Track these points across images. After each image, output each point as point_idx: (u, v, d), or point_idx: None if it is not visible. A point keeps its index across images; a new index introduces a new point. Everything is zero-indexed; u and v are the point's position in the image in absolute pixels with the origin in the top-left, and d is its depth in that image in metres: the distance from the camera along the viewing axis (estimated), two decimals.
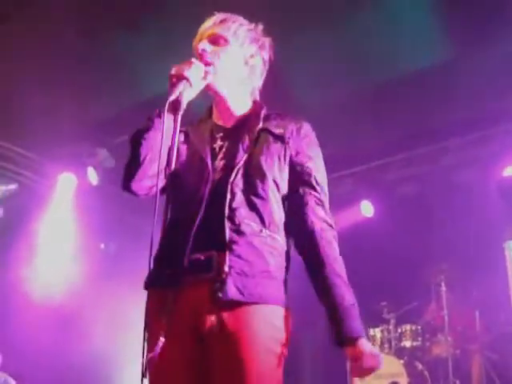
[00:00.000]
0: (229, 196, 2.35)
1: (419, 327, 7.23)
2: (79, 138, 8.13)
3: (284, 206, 2.51)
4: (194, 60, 2.41)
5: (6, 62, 6.64)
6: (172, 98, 2.33)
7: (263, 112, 2.58)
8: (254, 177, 2.40)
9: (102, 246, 9.37)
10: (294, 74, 6.77)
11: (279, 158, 2.49)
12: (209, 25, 2.57)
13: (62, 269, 8.46)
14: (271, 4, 5.70)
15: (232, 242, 2.32)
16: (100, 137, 8.24)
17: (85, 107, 7.35)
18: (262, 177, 2.41)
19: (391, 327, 7.31)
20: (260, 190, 2.40)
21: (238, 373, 2.22)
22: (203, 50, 2.51)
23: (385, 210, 8.65)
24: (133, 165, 2.46)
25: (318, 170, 2.60)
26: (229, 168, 2.40)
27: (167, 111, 2.34)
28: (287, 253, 2.50)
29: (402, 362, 6.90)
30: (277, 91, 7.03)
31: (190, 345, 2.31)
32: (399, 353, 7.11)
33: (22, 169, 8.39)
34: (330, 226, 2.55)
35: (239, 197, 2.37)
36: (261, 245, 2.36)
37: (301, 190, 2.52)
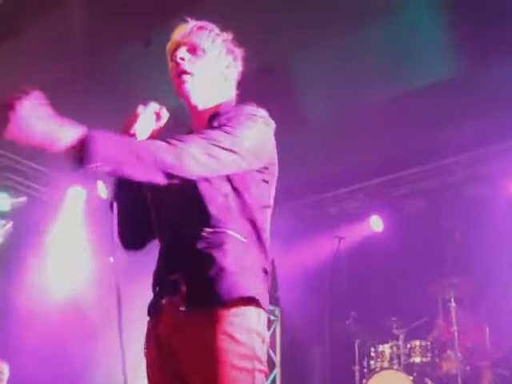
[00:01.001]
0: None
1: (429, 343, 7.16)
2: None
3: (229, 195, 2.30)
4: (140, 110, 2.35)
5: (16, 76, 6.70)
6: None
7: (216, 111, 2.45)
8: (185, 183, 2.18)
9: (111, 259, 9.37)
10: (301, 90, 6.80)
11: None
12: (185, 31, 2.51)
13: (71, 281, 8.48)
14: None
15: (184, 256, 2.29)
16: None
17: (94, 120, 7.36)
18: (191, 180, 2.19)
19: (400, 343, 7.25)
20: (192, 192, 2.25)
21: None
22: (182, 59, 2.47)
23: (394, 225, 8.63)
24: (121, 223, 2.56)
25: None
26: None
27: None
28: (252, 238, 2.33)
29: (411, 378, 6.83)
30: (282, 107, 7.10)
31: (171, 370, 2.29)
32: (409, 369, 7.04)
33: (32, 182, 8.44)
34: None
35: (181, 207, 2.31)
36: (205, 247, 2.23)
37: None
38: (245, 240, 2.29)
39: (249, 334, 2.16)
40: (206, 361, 2.13)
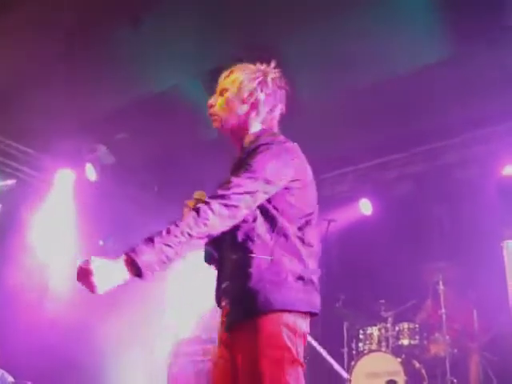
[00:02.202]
0: None
1: (417, 326, 7.23)
2: (78, 134, 8.12)
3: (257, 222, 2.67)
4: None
5: (6, 59, 6.64)
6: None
7: (249, 141, 2.86)
8: None
9: (101, 242, 9.37)
10: (292, 74, 6.77)
11: None
12: (220, 79, 2.97)
13: (60, 264, 8.46)
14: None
15: (223, 276, 2.76)
16: (99, 133, 8.23)
17: (84, 104, 7.35)
18: None
19: (389, 325, 7.31)
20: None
21: None
22: (210, 105, 2.95)
23: (383, 208, 8.66)
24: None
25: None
26: None
27: None
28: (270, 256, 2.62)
29: (399, 360, 6.90)
30: None
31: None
32: (397, 351, 7.11)
33: (21, 164, 8.38)
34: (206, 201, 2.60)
35: (224, 233, 2.65)
36: (233, 270, 2.66)
37: None
38: (270, 258, 2.59)
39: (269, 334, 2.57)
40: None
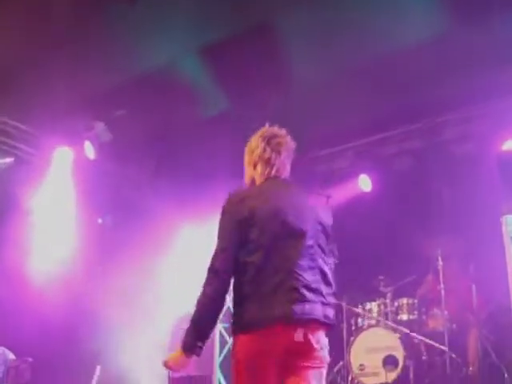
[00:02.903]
0: None
1: (416, 301, 7.26)
2: (76, 112, 8.08)
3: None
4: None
5: (4, 38, 6.59)
6: None
7: None
8: None
9: (100, 220, 9.38)
10: (291, 49, 6.74)
11: None
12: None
13: (59, 242, 8.48)
14: None
15: None
16: (97, 110, 8.19)
17: (82, 81, 7.31)
18: None
19: (388, 301, 7.34)
20: None
21: None
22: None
23: (383, 184, 8.64)
24: None
25: None
26: None
27: None
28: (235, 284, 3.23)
29: (398, 335, 6.94)
30: (276, 68, 7.04)
31: None
32: (396, 326, 7.14)
33: (19, 142, 8.35)
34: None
35: None
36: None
37: None
38: (237, 290, 3.18)
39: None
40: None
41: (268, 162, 3.46)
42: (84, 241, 8.49)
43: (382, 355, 6.85)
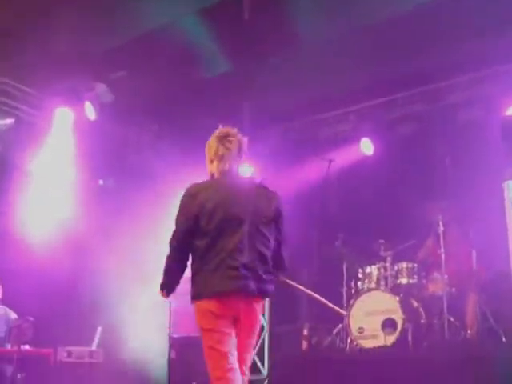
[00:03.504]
0: None
1: (415, 265, 7.28)
2: (77, 73, 8.03)
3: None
4: None
5: None
6: None
7: None
8: None
9: (101, 181, 9.36)
10: (294, 10, 6.66)
11: None
12: None
13: (60, 204, 8.49)
14: None
15: None
16: (98, 71, 8.14)
17: (83, 41, 7.26)
18: None
19: (388, 265, 7.36)
20: None
21: None
22: None
23: (385, 149, 8.61)
24: None
25: None
26: None
27: None
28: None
29: (397, 298, 6.97)
30: (279, 30, 6.96)
31: None
32: (395, 290, 7.18)
33: (19, 103, 8.30)
34: None
35: None
36: None
37: None
38: (192, 265, 3.87)
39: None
40: None
41: (222, 159, 4.04)
42: (85, 202, 8.50)
43: (381, 318, 6.89)
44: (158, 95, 8.12)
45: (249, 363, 3.90)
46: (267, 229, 3.91)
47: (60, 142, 8.47)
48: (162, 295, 4.03)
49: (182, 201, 3.92)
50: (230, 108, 7.97)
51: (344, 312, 6.82)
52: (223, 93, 7.86)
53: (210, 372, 3.71)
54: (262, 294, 3.82)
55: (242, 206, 3.88)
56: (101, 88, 8.20)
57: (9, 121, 8.16)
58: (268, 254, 3.88)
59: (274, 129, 9.27)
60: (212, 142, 4.13)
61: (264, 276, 3.80)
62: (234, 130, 4.12)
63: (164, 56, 7.28)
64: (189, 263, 3.91)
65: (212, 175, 4.11)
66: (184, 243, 3.88)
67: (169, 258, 3.93)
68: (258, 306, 3.85)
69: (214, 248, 3.78)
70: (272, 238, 3.94)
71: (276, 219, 4.02)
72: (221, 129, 4.17)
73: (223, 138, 4.09)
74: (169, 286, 3.98)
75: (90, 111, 8.39)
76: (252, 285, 3.73)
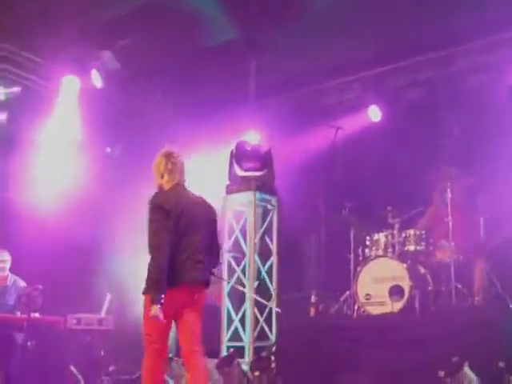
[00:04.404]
0: None
1: (423, 232, 7.26)
2: (83, 41, 8.00)
3: None
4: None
5: None
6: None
7: None
8: None
9: (108, 149, 9.36)
10: None
11: None
12: None
13: (68, 172, 8.51)
14: None
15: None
16: (104, 39, 8.10)
17: (89, 9, 7.22)
18: None
19: (395, 232, 7.35)
20: None
21: None
22: None
23: (393, 116, 8.55)
24: None
25: None
26: None
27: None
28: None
29: (404, 265, 6.97)
30: None
31: None
32: (402, 257, 7.17)
33: (26, 72, 8.30)
34: None
35: None
36: None
37: None
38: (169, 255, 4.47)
39: None
40: None
41: (171, 172, 4.75)
42: (92, 169, 8.52)
43: (389, 285, 6.90)
44: (163, 63, 8.08)
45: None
46: (214, 230, 4.84)
47: (67, 110, 8.47)
48: (157, 308, 4.34)
49: (151, 213, 4.56)
50: (236, 75, 7.94)
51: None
52: (229, 60, 7.82)
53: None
54: (208, 282, 4.70)
55: (198, 211, 4.71)
56: (107, 56, 8.17)
57: (16, 89, 8.15)
58: (215, 249, 4.85)
59: (280, 96, 9.23)
60: (160, 159, 4.79)
61: (209, 267, 4.74)
62: (177, 150, 4.87)
63: (170, 23, 7.23)
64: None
65: (161, 187, 4.76)
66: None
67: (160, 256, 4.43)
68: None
69: (181, 245, 4.54)
70: (216, 237, 4.87)
71: (215, 225, 4.90)
72: (165, 148, 4.86)
73: (169, 155, 4.79)
74: (164, 289, 4.37)
75: (96, 79, 8.37)
76: (206, 275, 4.67)
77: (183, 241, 4.53)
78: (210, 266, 4.76)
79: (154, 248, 4.44)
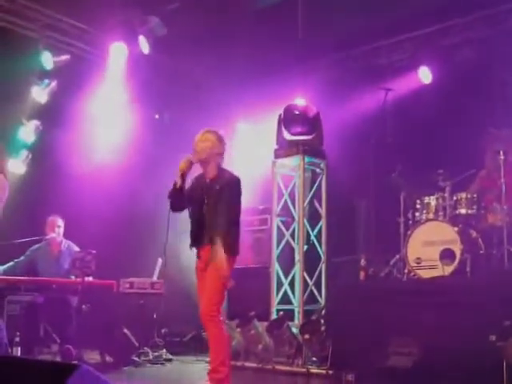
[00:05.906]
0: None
1: (475, 195, 7.14)
2: (130, 6, 8.01)
3: None
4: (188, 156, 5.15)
5: None
6: (179, 183, 5.09)
7: (218, 175, 5.25)
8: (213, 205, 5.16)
9: (156, 116, 9.42)
10: None
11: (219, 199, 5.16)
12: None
13: (117, 138, 8.60)
14: None
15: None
16: (151, 4, 8.09)
17: None
18: (215, 204, 5.14)
19: (446, 195, 7.24)
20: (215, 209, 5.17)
21: None
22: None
23: (444, 76, 8.36)
24: (173, 207, 5.24)
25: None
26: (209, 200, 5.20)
27: (179, 184, 5.09)
28: None
29: (456, 229, 6.89)
30: None
31: None
32: (454, 220, 7.08)
33: (74, 39, 8.36)
34: None
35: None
36: None
37: None
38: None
39: None
40: None
41: (223, 155, 5.32)
42: (142, 135, 8.59)
43: (439, 249, 6.83)
44: (212, 27, 8.04)
45: None
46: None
47: (115, 76, 8.53)
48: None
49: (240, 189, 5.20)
50: (284, 38, 7.86)
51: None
52: (277, 23, 7.73)
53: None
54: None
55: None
56: (154, 21, 8.17)
57: (64, 57, 8.22)
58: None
59: (329, 58, 9.12)
60: (220, 138, 5.25)
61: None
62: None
63: None
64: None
65: (219, 165, 5.23)
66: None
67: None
68: None
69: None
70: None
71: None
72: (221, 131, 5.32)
73: (224, 139, 5.29)
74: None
75: (143, 45, 8.39)
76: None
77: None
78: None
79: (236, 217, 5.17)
